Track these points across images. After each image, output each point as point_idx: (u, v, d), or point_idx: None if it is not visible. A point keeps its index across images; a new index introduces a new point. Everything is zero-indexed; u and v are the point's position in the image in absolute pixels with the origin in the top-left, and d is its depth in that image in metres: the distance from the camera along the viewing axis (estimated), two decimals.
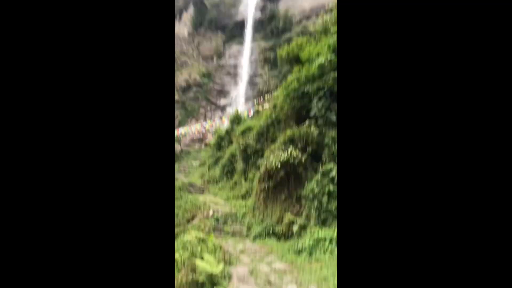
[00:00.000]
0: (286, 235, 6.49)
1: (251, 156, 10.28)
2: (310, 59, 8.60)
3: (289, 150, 6.82)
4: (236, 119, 16.57)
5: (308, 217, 6.08)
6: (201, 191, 12.94)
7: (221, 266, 3.60)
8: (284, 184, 7.02)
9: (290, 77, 8.46)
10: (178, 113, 34.85)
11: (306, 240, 5.55)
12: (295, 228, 6.10)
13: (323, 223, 5.85)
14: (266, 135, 9.62)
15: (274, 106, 9.73)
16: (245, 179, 10.37)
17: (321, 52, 8.21)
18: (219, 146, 16.30)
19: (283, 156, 6.75)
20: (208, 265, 3.45)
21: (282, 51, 9.96)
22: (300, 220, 6.12)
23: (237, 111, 17.66)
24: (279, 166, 6.78)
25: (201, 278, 3.37)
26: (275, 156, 7.01)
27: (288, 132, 7.28)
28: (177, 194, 11.15)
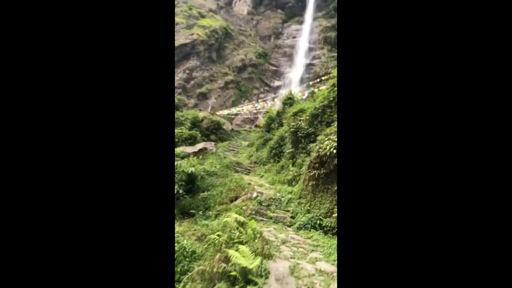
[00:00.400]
0: (334, 232, 5.69)
1: (301, 139, 9.44)
2: None
3: None
4: (289, 101, 15.69)
5: None
6: (248, 171, 12.69)
7: (258, 260, 3.07)
8: (334, 173, 6.12)
9: None
10: (232, 93, 35.27)
11: None
12: None
13: None
14: (321, 118, 8.63)
15: (333, 85, 8.62)
16: (293, 164, 9.65)
17: None
18: (268, 127, 15.73)
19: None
20: (242, 258, 2.96)
21: None
22: None
23: (290, 91, 16.70)
24: (334, 151, 5.88)
25: (234, 272, 2.90)
26: (331, 140, 6.11)
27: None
28: (223, 171, 11.06)
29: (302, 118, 9.96)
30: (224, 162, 12.37)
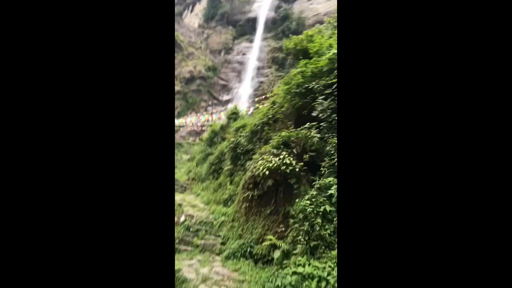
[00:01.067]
0: (264, 260, 5.12)
1: (240, 156, 8.91)
2: (319, 52, 7.26)
3: (282, 155, 5.44)
4: (234, 115, 15.21)
5: (294, 242, 4.70)
6: (183, 189, 11.59)
7: None
8: (271, 195, 5.65)
9: (294, 70, 7.10)
10: (178, 104, 33.67)
11: (288, 274, 4.19)
12: (276, 254, 4.73)
13: (312, 252, 4.48)
14: (260, 135, 8.24)
15: (273, 103, 8.38)
16: (231, 182, 9.00)
17: (334, 45, 6.87)
18: (211, 141, 14.95)
19: (274, 161, 5.38)
20: None
21: (289, 43, 8.62)
22: (284, 245, 4.75)
23: (235, 106, 16.28)
24: (267, 172, 5.41)
25: None
26: (264, 160, 5.64)
27: (284, 133, 5.88)
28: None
29: (242, 134, 9.48)
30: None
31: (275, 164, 5.31)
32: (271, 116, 8.02)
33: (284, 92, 7.05)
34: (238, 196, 6.92)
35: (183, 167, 15.45)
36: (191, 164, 15.24)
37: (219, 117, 18.71)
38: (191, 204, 8.89)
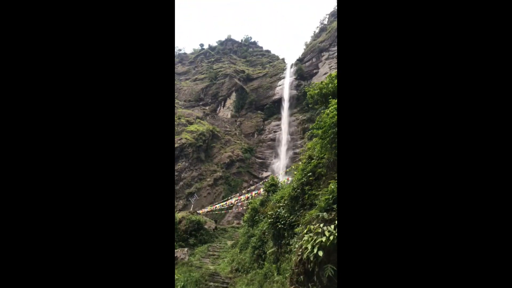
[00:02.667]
0: None
1: (283, 233, 6.64)
2: None
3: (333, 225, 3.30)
4: (272, 187, 13.31)
5: None
6: (224, 286, 9.02)
7: None
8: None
9: (325, 111, 5.50)
10: (221, 188, 33.23)
11: None
12: None
13: None
14: (302, 200, 6.15)
15: (309, 158, 6.54)
16: (278, 271, 6.49)
17: None
18: (252, 221, 12.75)
19: (328, 232, 3.22)
20: None
21: (313, 89, 7.34)
22: None
23: (272, 177, 14.52)
24: (320, 253, 3.19)
25: None
26: (312, 233, 3.50)
27: (333, 185, 3.83)
28: None
29: (281, 204, 7.42)
30: (192, 276, 8.86)
31: (332, 237, 3.13)
32: (310, 173, 6.07)
33: (321, 138, 5.31)
34: None
35: (227, 256, 13.00)
36: (234, 250, 12.81)
37: (258, 192, 16.89)
38: None
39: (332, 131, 4.90)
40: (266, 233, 8.30)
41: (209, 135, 37.34)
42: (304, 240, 3.66)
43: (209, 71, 49.54)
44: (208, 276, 9.09)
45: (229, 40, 65.01)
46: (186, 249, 11.87)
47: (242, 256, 10.88)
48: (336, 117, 4.90)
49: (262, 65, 54.18)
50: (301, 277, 3.75)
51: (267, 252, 7.58)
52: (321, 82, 7.38)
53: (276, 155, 37.07)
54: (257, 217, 12.43)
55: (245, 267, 9.70)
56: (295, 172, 6.29)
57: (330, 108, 5.35)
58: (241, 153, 37.55)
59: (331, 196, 3.74)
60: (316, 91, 7.14)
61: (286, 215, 6.65)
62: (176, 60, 59.51)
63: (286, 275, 5.51)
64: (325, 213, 3.55)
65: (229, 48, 62.20)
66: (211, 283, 8.72)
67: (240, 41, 65.63)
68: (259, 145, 39.73)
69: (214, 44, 64.37)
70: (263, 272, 7.47)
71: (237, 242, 13.73)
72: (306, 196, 5.69)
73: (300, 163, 6.37)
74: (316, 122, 5.69)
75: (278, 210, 7.16)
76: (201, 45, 66.02)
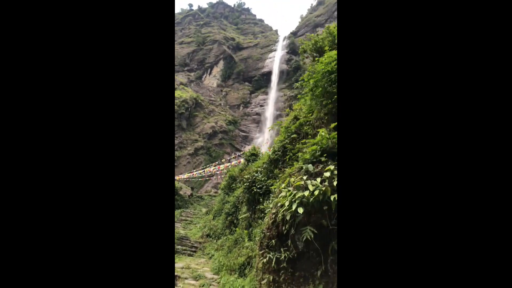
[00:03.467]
0: None
1: (258, 198, 6.03)
2: None
3: (329, 171, 2.59)
4: (252, 157, 12.64)
5: None
6: (194, 250, 8.52)
7: None
8: (314, 259, 2.64)
9: (321, 59, 4.63)
10: (202, 158, 32.49)
11: None
12: None
13: None
14: (282, 161, 5.46)
15: (295, 118, 5.77)
16: (249, 237, 5.96)
17: None
18: (229, 188, 12.18)
19: (313, 186, 2.52)
20: None
21: (307, 43, 6.40)
22: None
23: (254, 147, 13.82)
24: (300, 210, 2.51)
25: None
26: (292, 187, 2.80)
27: (323, 133, 3.07)
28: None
29: (259, 168, 6.75)
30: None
31: (317, 192, 2.43)
32: (294, 133, 5.34)
33: (311, 90, 4.50)
34: (256, 260, 3.88)
35: (200, 221, 12.53)
36: (207, 217, 12.34)
37: (238, 162, 16.24)
38: (195, 274, 5.82)
39: (326, 80, 4.09)
40: (240, 199, 7.72)
41: (192, 103, 35.65)
42: (280, 197, 2.97)
43: (197, 35, 46.20)
44: (176, 239, 8.52)
45: (220, 3, 60.45)
46: None
47: (215, 222, 10.39)
48: (333, 63, 4.08)
49: (253, 34, 51.36)
50: (273, 241, 3.11)
51: (240, 218, 7.03)
52: (317, 34, 6.44)
53: (261, 130, 36.39)
54: (234, 185, 11.84)
55: (217, 233, 9.23)
56: (281, 129, 5.52)
57: (326, 55, 4.50)
58: (224, 125, 36.51)
59: (319, 147, 3.01)
60: (310, 45, 6.21)
61: (263, 179, 6.00)
62: None
63: (257, 239, 4.97)
64: (310, 165, 2.83)
65: (220, 12, 58.02)
66: (179, 247, 8.17)
67: (232, 6, 61.34)
68: (244, 118, 38.69)
69: (205, 6, 59.78)
70: (234, 238, 6.96)
71: (212, 209, 13.25)
72: (288, 157, 4.98)
73: (284, 120, 5.58)
74: (307, 73, 4.83)
75: (255, 174, 6.50)
76: (190, 5, 61.01)
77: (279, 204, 2.82)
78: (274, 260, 2.92)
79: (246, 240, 6.03)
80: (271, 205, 3.31)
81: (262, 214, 5.67)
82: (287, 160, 4.99)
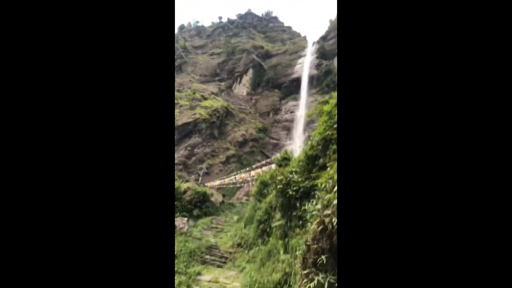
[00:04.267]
0: None
1: (294, 202, 5.13)
2: None
3: None
4: (285, 161, 11.72)
5: None
6: (223, 261, 7.78)
7: None
8: None
9: None
10: (234, 166, 32.27)
11: None
12: None
13: None
14: (323, 157, 4.53)
15: (331, 111, 4.83)
16: (285, 248, 5.04)
17: None
18: (261, 194, 11.36)
19: None
20: None
21: None
22: None
23: (285, 151, 12.90)
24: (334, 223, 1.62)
25: None
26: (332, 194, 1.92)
27: None
28: (178, 266, 6.33)
29: (293, 169, 5.86)
30: (187, 247, 7.67)
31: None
32: (332, 123, 4.39)
33: None
34: (297, 280, 2.98)
35: (231, 230, 11.83)
36: (239, 225, 11.59)
37: (269, 167, 15.40)
38: None
39: None
40: (273, 204, 6.84)
41: (223, 111, 35.94)
42: (324, 199, 2.08)
43: (226, 45, 47.19)
44: (205, 248, 7.88)
45: (249, 14, 61.54)
46: (186, 219, 10.74)
47: (247, 231, 9.60)
48: None
49: (282, 41, 51.02)
50: (323, 257, 2.21)
51: (273, 226, 6.14)
52: None
53: (291, 137, 35.32)
54: (265, 191, 11.00)
55: (248, 243, 8.41)
56: (319, 120, 4.63)
57: None
58: (255, 133, 36.10)
59: None
60: None
61: (299, 180, 5.10)
62: (194, 33, 57.37)
63: (297, 253, 4.05)
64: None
65: (249, 22, 58.96)
66: (208, 256, 7.50)
67: (260, 15, 62.07)
68: (274, 125, 37.96)
69: (233, 17, 61.35)
70: (267, 248, 6.08)
71: (243, 216, 12.50)
72: (331, 150, 4.04)
73: (324, 106, 4.66)
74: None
75: (290, 175, 5.62)
76: (220, 18, 63.21)
77: (332, 204, 1.94)
78: (326, 286, 2.02)
79: (282, 252, 5.13)
80: (318, 206, 2.42)
81: (300, 222, 4.75)
82: (331, 153, 4.05)
